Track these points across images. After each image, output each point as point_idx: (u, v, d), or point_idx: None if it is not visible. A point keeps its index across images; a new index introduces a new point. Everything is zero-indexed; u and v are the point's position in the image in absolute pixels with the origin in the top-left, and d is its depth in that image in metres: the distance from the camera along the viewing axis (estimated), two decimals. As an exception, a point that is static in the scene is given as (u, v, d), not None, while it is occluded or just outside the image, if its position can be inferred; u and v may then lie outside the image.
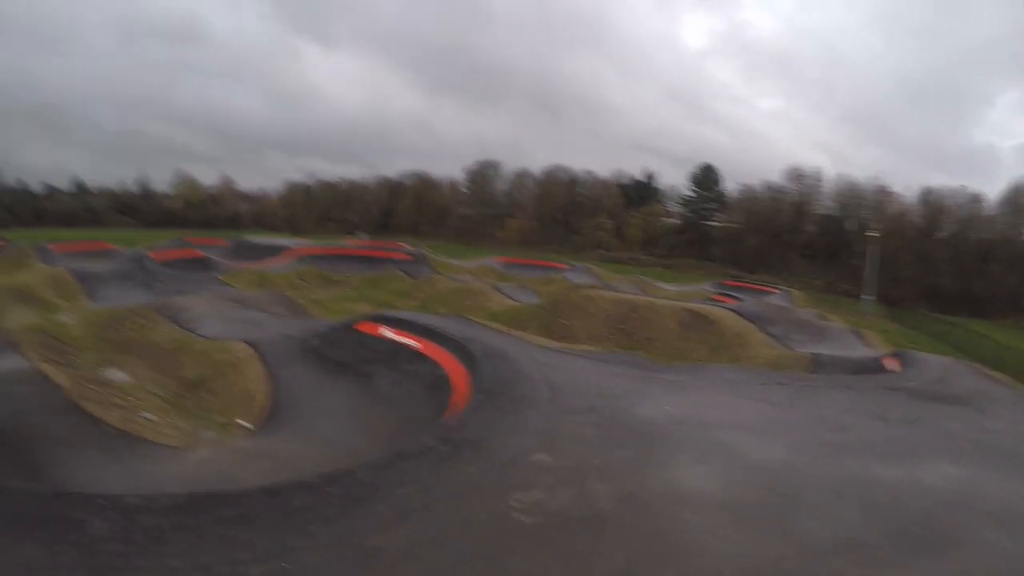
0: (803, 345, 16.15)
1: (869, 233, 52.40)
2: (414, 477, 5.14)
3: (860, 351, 16.54)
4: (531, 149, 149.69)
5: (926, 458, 6.15)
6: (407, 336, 11.99)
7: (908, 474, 5.65)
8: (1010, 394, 9.80)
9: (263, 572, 3.71)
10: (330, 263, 33.56)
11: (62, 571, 3.59)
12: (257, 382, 11.31)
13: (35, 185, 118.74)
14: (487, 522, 4.49)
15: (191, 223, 77.21)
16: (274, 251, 36.02)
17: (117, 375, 11.43)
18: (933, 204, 64.70)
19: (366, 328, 13.03)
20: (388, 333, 12.39)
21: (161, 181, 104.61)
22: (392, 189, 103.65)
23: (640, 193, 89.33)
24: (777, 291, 40.18)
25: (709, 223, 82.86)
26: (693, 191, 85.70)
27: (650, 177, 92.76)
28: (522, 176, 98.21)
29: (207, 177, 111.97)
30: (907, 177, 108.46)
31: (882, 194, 69.17)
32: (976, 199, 62.72)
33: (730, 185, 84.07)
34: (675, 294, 33.11)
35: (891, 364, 12.36)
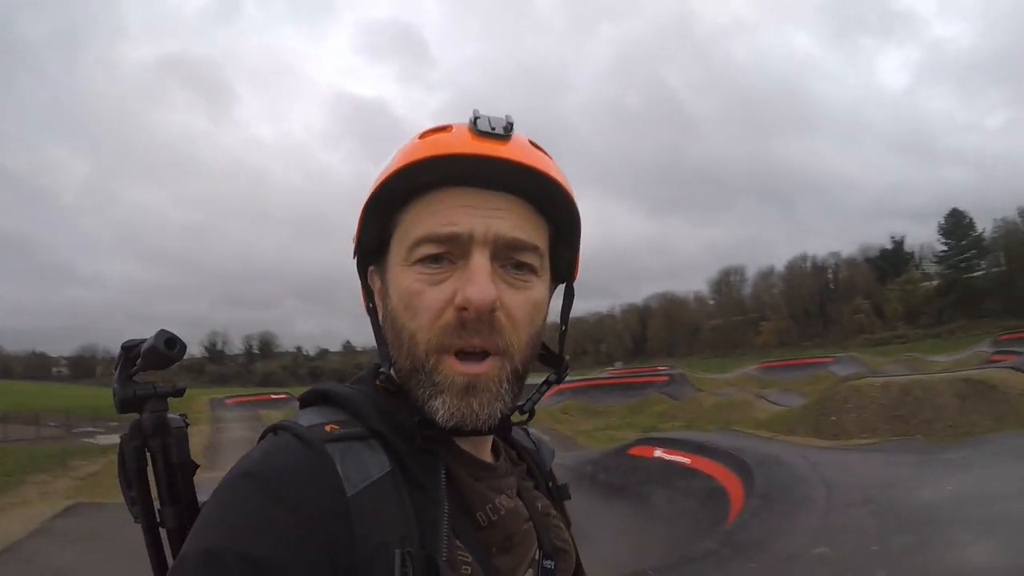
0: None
1: None
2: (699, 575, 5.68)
3: None
4: (768, 244, 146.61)
5: None
6: (678, 454, 12.48)
7: None
8: None
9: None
10: (590, 395, 34.75)
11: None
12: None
13: (309, 349, 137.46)
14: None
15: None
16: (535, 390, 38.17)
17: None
18: None
19: (638, 451, 13.68)
20: (660, 453, 12.94)
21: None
22: (640, 315, 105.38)
23: (891, 262, 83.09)
24: None
25: (972, 275, 74.16)
26: (945, 244, 77.90)
27: (899, 242, 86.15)
28: (766, 275, 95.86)
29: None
30: None
31: None
32: None
33: (985, 224, 75.24)
34: (949, 365, 30.25)
35: None
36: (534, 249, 0.82)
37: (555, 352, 0.94)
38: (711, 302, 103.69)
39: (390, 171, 0.80)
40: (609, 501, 12.48)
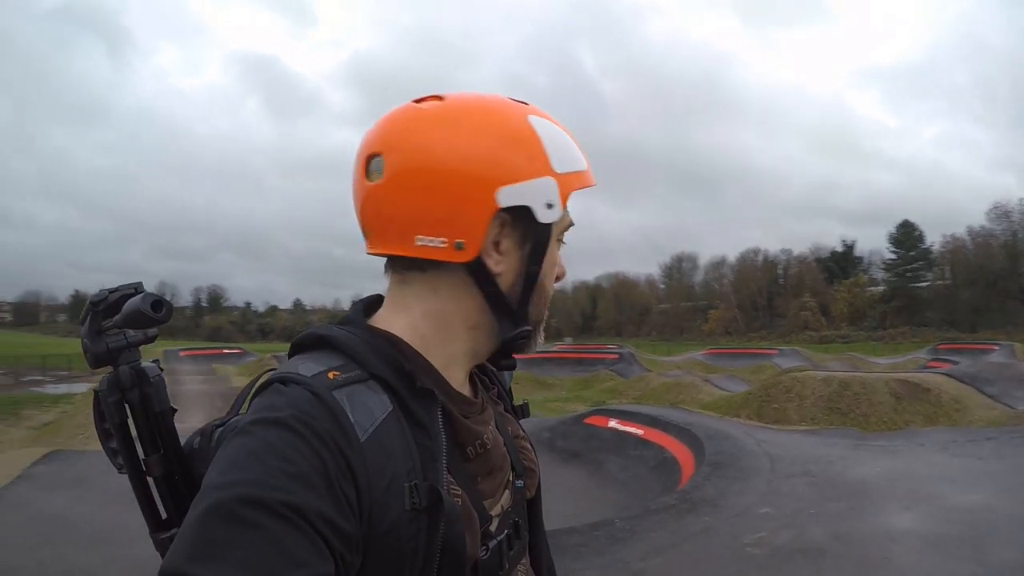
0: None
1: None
2: (661, 525, 6.43)
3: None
4: (695, 233, 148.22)
5: None
6: (632, 425, 13.12)
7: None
8: None
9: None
10: (541, 367, 35.23)
11: None
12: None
13: (259, 305, 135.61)
14: (725, 554, 5.68)
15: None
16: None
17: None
18: None
19: (593, 421, 14.27)
20: (614, 424, 13.59)
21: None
22: (591, 292, 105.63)
23: (840, 264, 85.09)
24: (997, 347, 37.28)
25: (917, 285, 77.03)
26: (895, 252, 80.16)
27: (849, 246, 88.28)
28: (718, 265, 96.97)
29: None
30: None
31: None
32: None
33: (934, 238, 77.98)
34: (888, 367, 31.58)
35: None
36: None
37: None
38: (662, 286, 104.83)
39: (590, 183, 0.96)
40: (566, 465, 13.00)
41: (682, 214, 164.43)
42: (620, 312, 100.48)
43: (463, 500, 0.84)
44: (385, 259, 0.95)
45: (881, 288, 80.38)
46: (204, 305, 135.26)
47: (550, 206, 0.89)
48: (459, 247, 0.87)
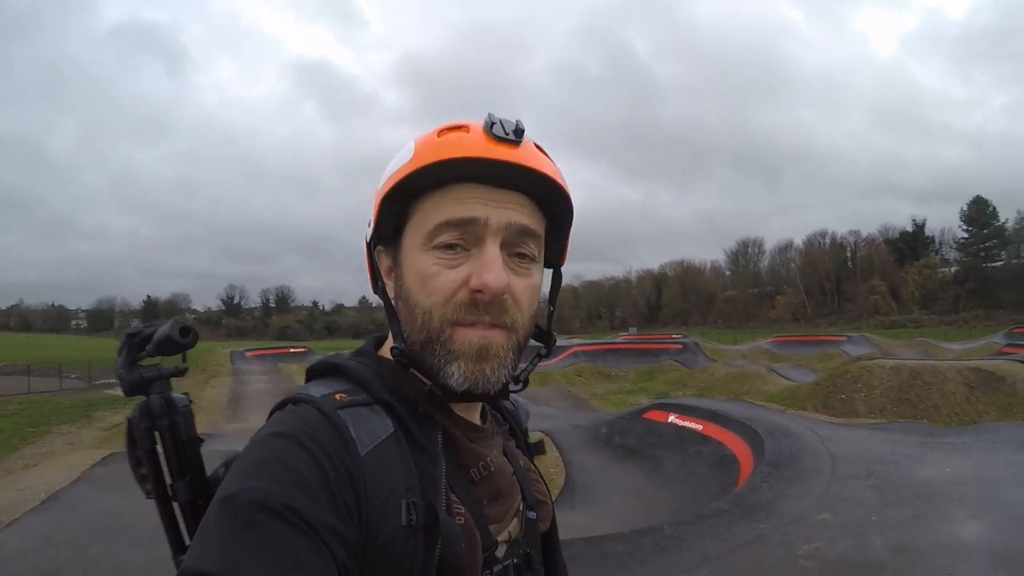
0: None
1: None
2: (711, 532, 6.14)
3: None
4: (759, 215, 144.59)
5: None
6: (691, 420, 12.82)
7: None
8: None
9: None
10: (604, 359, 35.16)
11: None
12: (553, 465, 12.70)
13: (325, 303, 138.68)
14: (775, 567, 5.37)
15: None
16: (552, 351, 38.25)
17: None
18: None
19: (652, 416, 14.01)
20: (674, 419, 13.30)
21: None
22: (655, 281, 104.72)
23: (911, 245, 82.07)
24: None
25: (992, 265, 74.07)
26: (967, 231, 77.08)
27: (920, 226, 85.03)
28: (784, 249, 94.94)
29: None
30: None
31: None
32: None
33: (1007, 213, 75.08)
34: (961, 353, 30.28)
35: None
36: (537, 237, 0.92)
37: (544, 329, 1.02)
38: (727, 273, 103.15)
39: (416, 166, 0.86)
40: (622, 462, 12.86)
41: (745, 198, 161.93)
42: (685, 300, 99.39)
43: (466, 519, 0.85)
44: None
45: (954, 269, 77.55)
46: (272, 306, 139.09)
47: (369, 224, 0.96)
48: (376, 281, 0.99)
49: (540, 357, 1.01)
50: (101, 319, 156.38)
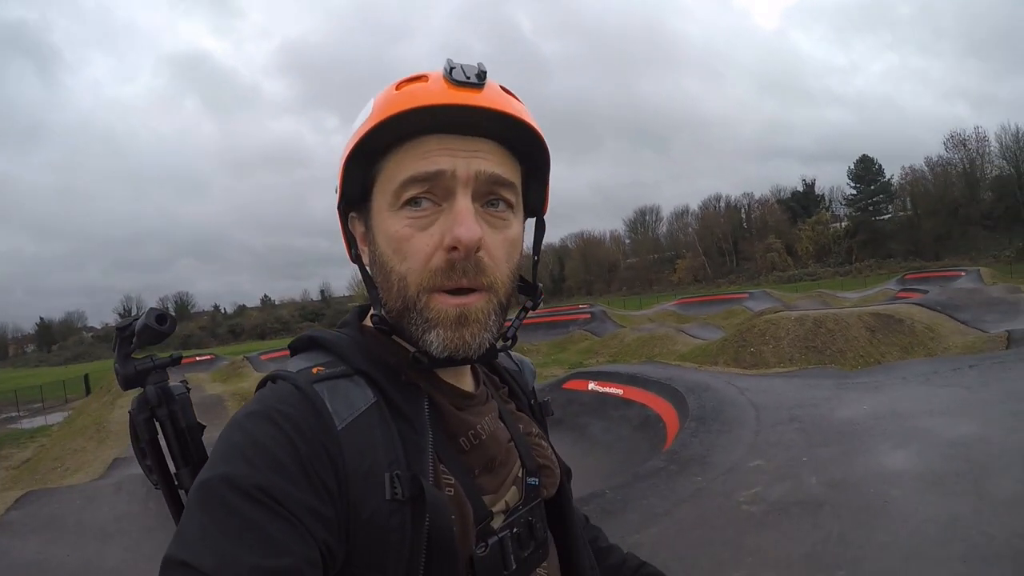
0: (996, 325, 15.79)
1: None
2: (653, 491, 6.19)
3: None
4: (651, 184, 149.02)
5: None
6: (611, 386, 12.98)
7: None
8: None
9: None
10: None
11: None
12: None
13: (227, 306, 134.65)
14: (720, 515, 5.45)
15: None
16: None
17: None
18: None
19: (572, 385, 14.13)
20: (594, 386, 13.44)
21: (339, 287, 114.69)
22: (557, 254, 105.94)
23: (802, 204, 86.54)
24: (963, 273, 37.66)
25: (880, 218, 78.72)
26: (855, 188, 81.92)
27: (810, 185, 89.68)
28: (681, 215, 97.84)
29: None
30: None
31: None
32: None
33: (891, 170, 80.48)
34: (859, 301, 31.97)
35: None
36: (511, 185, 0.87)
37: (530, 281, 0.99)
38: (627, 241, 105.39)
39: (373, 123, 0.82)
40: (549, 432, 12.96)
41: (637, 167, 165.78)
42: (588, 271, 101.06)
43: (456, 491, 0.83)
44: None
45: (844, 224, 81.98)
46: (171, 314, 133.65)
47: (335, 189, 0.91)
48: (351, 248, 0.95)
49: (526, 310, 0.99)
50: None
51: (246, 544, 0.65)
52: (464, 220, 0.80)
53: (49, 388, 39.56)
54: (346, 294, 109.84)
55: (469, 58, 0.84)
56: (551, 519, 1.01)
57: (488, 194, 0.85)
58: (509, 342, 0.93)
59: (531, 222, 1.01)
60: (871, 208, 79.99)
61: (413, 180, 0.81)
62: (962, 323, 15.53)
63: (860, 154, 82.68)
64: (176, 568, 0.64)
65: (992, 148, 69.30)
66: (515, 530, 0.90)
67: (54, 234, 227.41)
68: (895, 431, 6.90)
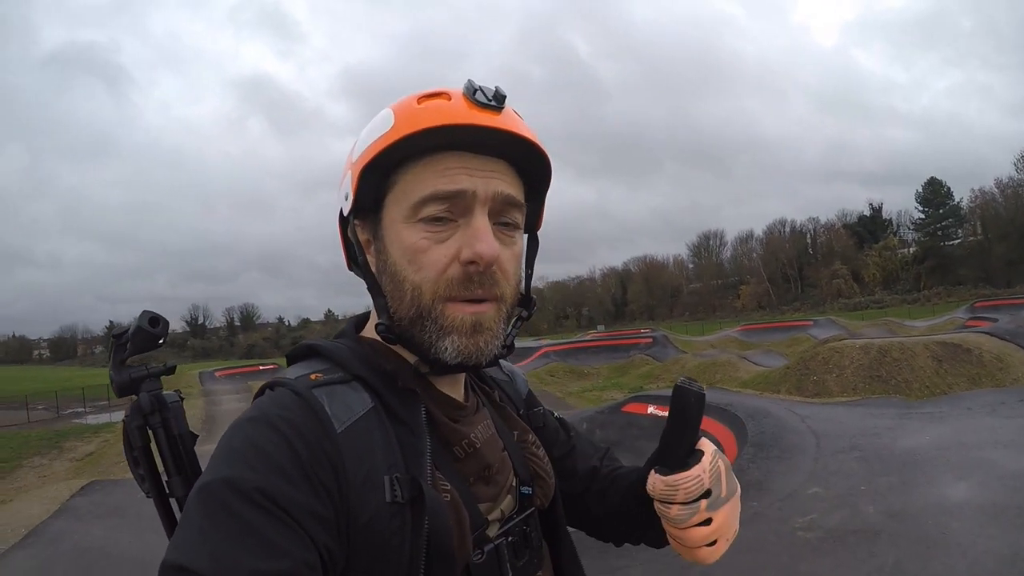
0: (1069, 353, 15.13)
1: None
2: (707, 513, 6.23)
3: None
4: (711, 208, 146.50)
5: None
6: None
7: None
8: None
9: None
10: (576, 357, 35.18)
11: None
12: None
13: (291, 319, 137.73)
14: (775, 541, 5.46)
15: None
16: (522, 353, 38.39)
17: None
18: None
19: (632, 408, 14.08)
20: (653, 410, 13.37)
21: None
22: (620, 278, 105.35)
23: (869, 228, 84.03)
24: None
25: (949, 243, 75.97)
26: (923, 211, 79.19)
27: (877, 209, 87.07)
28: (745, 239, 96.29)
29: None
30: None
31: None
32: None
33: (961, 193, 77.16)
34: (926, 329, 30.99)
35: None
36: (522, 207, 0.92)
37: (524, 293, 0.99)
38: (690, 266, 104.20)
39: (399, 135, 0.84)
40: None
41: (696, 190, 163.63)
42: (650, 295, 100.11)
43: (452, 496, 0.83)
44: None
45: (912, 249, 79.24)
46: (237, 324, 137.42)
47: (346, 197, 0.92)
48: (352, 259, 0.98)
49: (522, 319, 1.00)
50: (63, 347, 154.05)
51: (245, 547, 0.66)
52: (484, 237, 0.83)
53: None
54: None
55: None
56: (544, 529, 1.03)
57: (501, 213, 0.88)
58: (506, 351, 0.95)
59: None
60: (940, 233, 77.31)
61: (435, 197, 0.84)
62: (1033, 351, 14.99)
63: (925, 175, 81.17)
64: (174, 574, 0.65)
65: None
66: (510, 538, 0.92)
67: (125, 244, 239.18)
68: (957, 462, 6.77)
